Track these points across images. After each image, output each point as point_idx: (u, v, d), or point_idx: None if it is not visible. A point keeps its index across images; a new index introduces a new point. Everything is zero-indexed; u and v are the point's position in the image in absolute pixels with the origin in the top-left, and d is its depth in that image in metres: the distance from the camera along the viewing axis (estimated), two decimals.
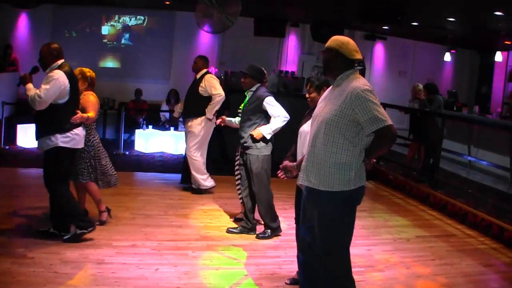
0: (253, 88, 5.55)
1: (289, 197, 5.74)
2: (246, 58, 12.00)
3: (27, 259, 4.38)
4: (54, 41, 4.99)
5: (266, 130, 5.37)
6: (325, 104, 3.33)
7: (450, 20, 10.40)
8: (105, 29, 13.04)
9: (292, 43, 14.06)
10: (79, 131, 4.94)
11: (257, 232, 5.63)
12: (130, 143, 10.11)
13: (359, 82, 3.21)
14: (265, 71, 5.74)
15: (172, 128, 10.38)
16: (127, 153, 9.46)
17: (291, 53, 14.05)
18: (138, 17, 13.12)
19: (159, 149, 9.71)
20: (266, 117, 5.48)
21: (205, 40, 13.20)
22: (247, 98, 5.60)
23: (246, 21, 11.25)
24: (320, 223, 3.28)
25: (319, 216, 3.28)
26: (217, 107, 7.00)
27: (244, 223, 5.69)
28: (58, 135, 4.76)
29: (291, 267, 4.67)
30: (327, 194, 3.22)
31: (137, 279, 4.23)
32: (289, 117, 5.42)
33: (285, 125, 5.44)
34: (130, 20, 13.12)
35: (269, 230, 5.56)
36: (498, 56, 13.23)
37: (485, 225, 6.35)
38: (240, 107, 5.75)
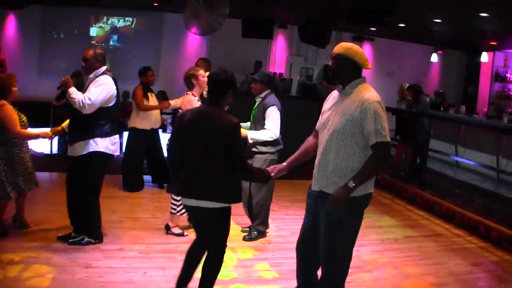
0: (262, 95, 5.45)
1: (276, 198, 5.78)
2: (235, 60, 12.07)
3: (14, 264, 4.34)
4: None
5: (251, 135, 5.26)
6: (334, 113, 3.35)
7: (437, 21, 10.47)
8: (93, 31, 12.98)
9: (280, 45, 14.07)
10: (117, 138, 4.93)
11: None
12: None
13: (371, 93, 3.26)
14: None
15: (160, 130, 10.32)
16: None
17: (279, 54, 14.07)
18: (127, 18, 13.08)
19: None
20: None
21: (193, 41, 13.18)
22: (256, 104, 5.54)
23: (234, 22, 11.20)
24: (326, 224, 3.31)
25: (327, 217, 3.31)
26: None
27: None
28: (99, 139, 4.72)
29: (280, 269, 4.67)
30: None
31: (124, 283, 4.21)
32: (277, 136, 5.31)
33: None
34: (118, 21, 13.08)
35: (255, 232, 5.56)
36: (484, 57, 13.35)
37: (472, 224, 6.40)
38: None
